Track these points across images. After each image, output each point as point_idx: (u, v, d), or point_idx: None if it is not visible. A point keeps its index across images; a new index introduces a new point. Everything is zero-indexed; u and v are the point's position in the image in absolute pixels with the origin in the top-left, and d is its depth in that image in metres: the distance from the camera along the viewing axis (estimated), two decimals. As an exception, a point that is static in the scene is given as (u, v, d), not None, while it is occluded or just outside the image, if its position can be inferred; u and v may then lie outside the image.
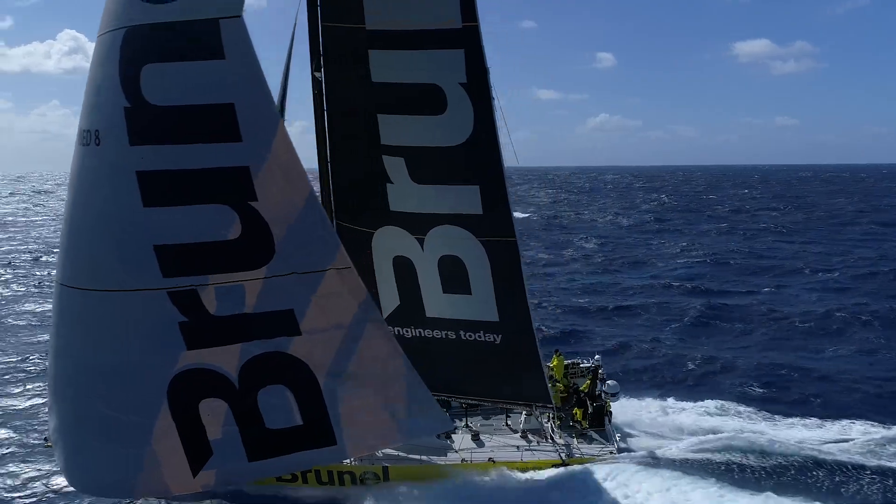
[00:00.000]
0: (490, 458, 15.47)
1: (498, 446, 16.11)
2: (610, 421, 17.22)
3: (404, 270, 15.41)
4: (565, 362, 18.78)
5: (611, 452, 15.97)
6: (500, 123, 13.89)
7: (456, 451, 15.80)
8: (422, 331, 15.97)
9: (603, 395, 17.56)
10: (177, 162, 11.22)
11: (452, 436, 16.52)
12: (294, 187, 11.52)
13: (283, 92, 14.40)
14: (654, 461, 15.98)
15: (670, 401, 20.59)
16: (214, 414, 12.43)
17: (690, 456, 16.42)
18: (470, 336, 15.81)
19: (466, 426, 17.03)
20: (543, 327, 28.71)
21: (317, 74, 14.30)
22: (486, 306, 15.42)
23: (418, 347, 15.99)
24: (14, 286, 42.52)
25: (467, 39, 13.30)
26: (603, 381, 18.00)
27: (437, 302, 15.55)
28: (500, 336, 15.73)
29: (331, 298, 12.27)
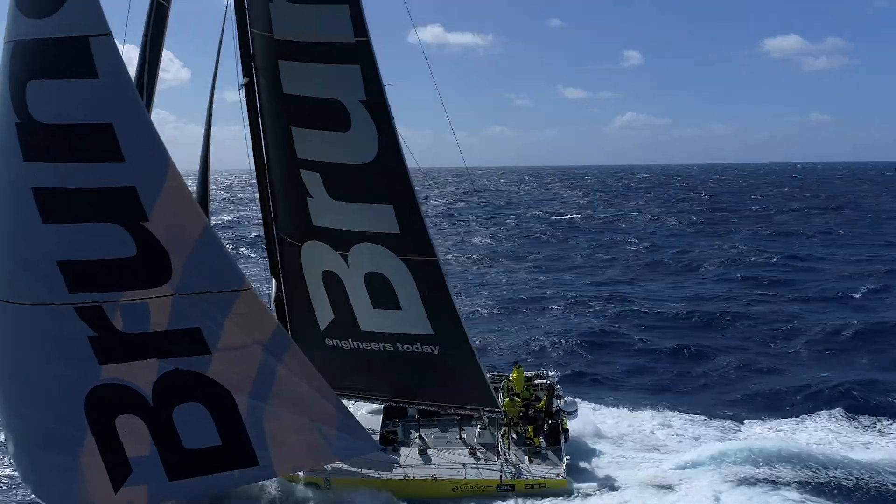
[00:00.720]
0: (433, 476, 14.96)
1: (443, 462, 15.54)
2: (566, 440, 16.48)
3: (333, 285, 15.01)
4: (525, 374, 18.13)
5: (558, 475, 15.21)
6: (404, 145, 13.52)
7: (400, 466, 15.34)
8: (359, 343, 15.57)
9: (559, 412, 16.84)
10: (67, 180, 11.19)
11: (402, 449, 16.08)
12: (185, 210, 11.49)
13: (210, 99, 14.16)
14: (601, 487, 15.24)
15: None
16: (131, 431, 12.38)
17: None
18: (407, 348, 15.39)
19: (420, 437, 16.56)
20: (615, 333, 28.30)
21: (245, 81, 14.00)
22: (418, 321, 14.98)
23: (359, 359, 15.69)
24: None
25: (362, 55, 12.98)
26: (559, 397, 17.27)
27: (369, 316, 15.13)
28: (437, 347, 15.33)
29: (238, 319, 12.09)
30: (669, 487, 15.18)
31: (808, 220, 78.90)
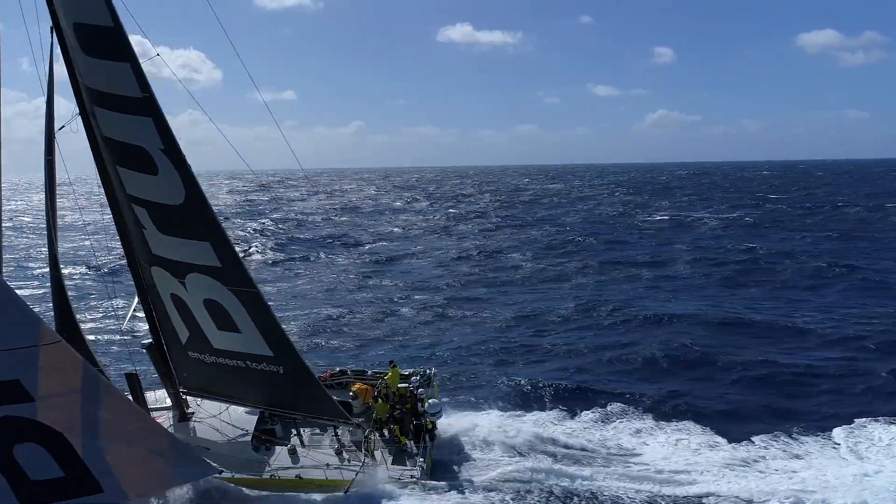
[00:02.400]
0: (297, 475, 16.09)
1: (309, 463, 16.58)
2: (431, 439, 17.23)
3: (181, 307, 16.11)
4: (402, 373, 18.91)
5: (412, 476, 16.01)
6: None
7: (269, 466, 16.51)
8: (216, 358, 16.66)
9: (424, 414, 17.57)
10: None
11: (276, 448, 17.21)
12: None
13: (48, 130, 15.25)
14: (452, 488, 15.97)
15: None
16: None
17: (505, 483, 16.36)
18: (256, 366, 16.38)
19: (298, 436, 17.68)
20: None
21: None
22: (257, 343, 15.97)
23: (221, 371, 16.82)
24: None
25: (150, 109, 13.77)
26: (421, 400, 17.95)
27: (215, 336, 16.17)
28: (280, 367, 16.29)
29: (50, 371, 12.93)
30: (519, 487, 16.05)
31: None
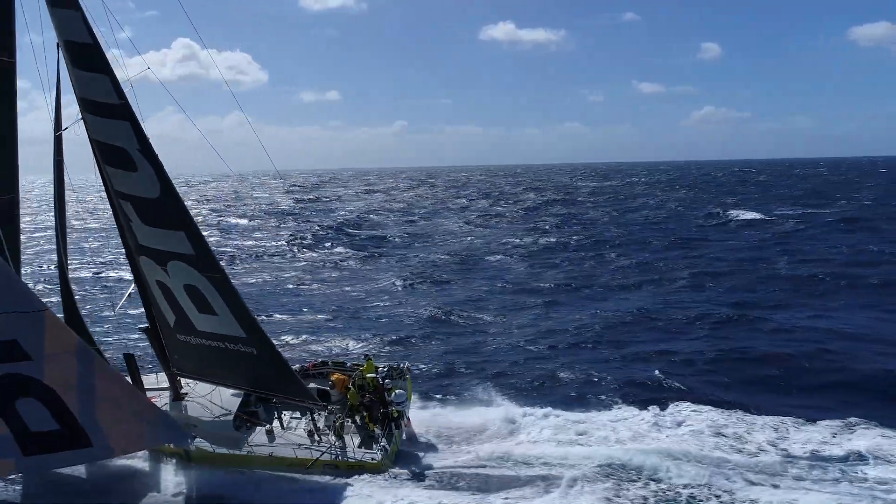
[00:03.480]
0: (271, 454, 17.34)
1: (282, 443, 17.80)
2: (396, 427, 18.20)
3: (167, 293, 17.61)
4: (377, 365, 19.98)
5: (372, 459, 17.00)
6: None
7: (248, 445, 17.80)
8: (200, 340, 18.10)
9: (391, 403, 18.56)
10: None
11: (257, 428, 18.46)
12: None
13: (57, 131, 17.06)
14: (413, 475, 16.89)
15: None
16: None
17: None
18: (233, 346, 17.75)
19: (279, 419, 18.91)
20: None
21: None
22: (231, 325, 17.31)
23: (205, 353, 18.28)
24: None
25: (127, 114, 15.44)
26: (389, 391, 18.96)
27: (197, 319, 17.60)
28: (253, 349, 17.62)
29: (47, 334, 14.70)
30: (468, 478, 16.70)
31: None
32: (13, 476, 17.92)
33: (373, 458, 17.04)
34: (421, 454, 18.21)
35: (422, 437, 19.23)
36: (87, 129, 16.31)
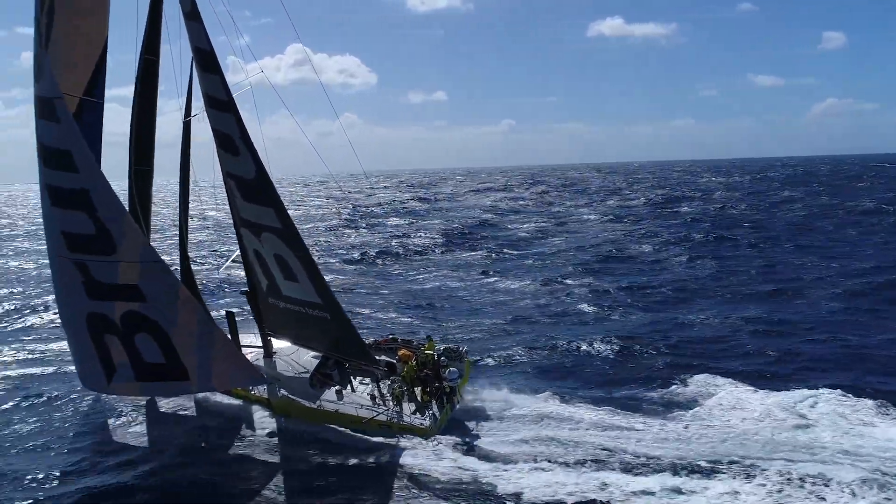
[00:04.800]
0: (336, 410, 19.86)
1: (348, 402, 20.21)
2: (447, 401, 20.11)
3: (260, 260, 20.53)
4: (441, 347, 21.92)
5: (421, 424, 19.01)
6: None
7: (319, 400, 20.41)
8: (286, 305, 20.91)
9: (445, 379, 20.58)
10: (55, 180, 17.30)
11: (329, 388, 21.01)
12: (116, 208, 17.15)
13: (186, 127, 20.41)
14: (456, 445, 18.50)
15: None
16: (113, 344, 18.71)
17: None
18: (312, 312, 20.41)
19: (350, 384, 21.30)
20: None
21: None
22: (310, 292, 19.96)
23: (290, 316, 21.10)
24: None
25: (233, 108, 18.50)
26: (445, 367, 20.91)
27: (284, 286, 20.42)
28: (327, 314, 20.23)
29: (162, 282, 17.82)
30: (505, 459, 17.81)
31: None
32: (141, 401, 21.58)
33: (421, 424, 19.02)
34: (469, 428, 19.85)
35: (475, 414, 20.70)
36: (209, 120, 19.50)
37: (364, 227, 79.91)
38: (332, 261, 53.92)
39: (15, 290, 43.14)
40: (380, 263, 53.71)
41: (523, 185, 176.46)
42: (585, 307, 35.82)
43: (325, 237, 71.38)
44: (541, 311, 35.67)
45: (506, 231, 74.74)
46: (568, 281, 43.25)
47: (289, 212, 19.76)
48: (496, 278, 45.36)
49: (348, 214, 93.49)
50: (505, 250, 58.49)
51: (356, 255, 56.62)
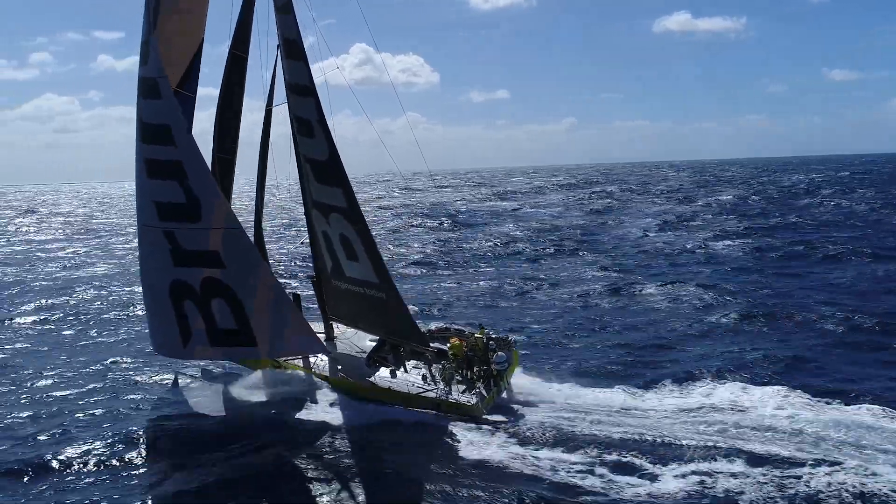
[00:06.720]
0: (389, 387, 20.93)
1: (400, 381, 21.29)
2: (494, 384, 20.94)
3: (327, 241, 21.93)
4: (492, 335, 22.74)
5: (468, 401, 19.88)
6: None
7: (372, 377, 21.53)
8: (348, 286, 22.20)
9: (492, 363, 21.38)
10: (152, 154, 19.08)
11: (382, 369, 22.13)
12: (206, 177, 18.84)
13: (267, 114, 22.09)
14: (502, 424, 19.17)
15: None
16: (190, 310, 20.11)
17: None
18: (370, 292, 21.59)
19: (403, 366, 22.34)
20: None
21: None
22: (369, 271, 21.14)
23: (351, 298, 22.35)
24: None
25: (314, 93, 20.07)
26: (493, 351, 21.67)
27: (347, 266, 21.71)
28: (383, 293, 21.31)
29: (240, 251, 19.29)
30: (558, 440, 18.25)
31: None
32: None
33: (468, 401, 19.92)
34: (515, 412, 20.44)
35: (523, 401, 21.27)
36: (289, 108, 21.01)
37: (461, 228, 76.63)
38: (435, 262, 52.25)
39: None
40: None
41: (600, 183, 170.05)
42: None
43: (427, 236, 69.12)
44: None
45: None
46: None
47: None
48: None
49: (445, 215, 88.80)
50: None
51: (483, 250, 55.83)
